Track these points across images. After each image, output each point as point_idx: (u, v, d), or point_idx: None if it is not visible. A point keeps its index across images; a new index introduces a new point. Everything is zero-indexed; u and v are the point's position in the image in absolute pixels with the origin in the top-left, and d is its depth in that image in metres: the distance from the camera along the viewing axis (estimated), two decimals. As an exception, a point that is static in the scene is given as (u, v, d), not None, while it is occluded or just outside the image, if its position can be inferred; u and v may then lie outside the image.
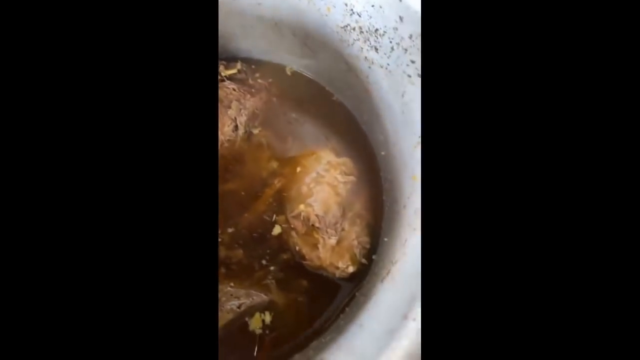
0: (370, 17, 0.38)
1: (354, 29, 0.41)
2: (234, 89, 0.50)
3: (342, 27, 0.42)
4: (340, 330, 0.35)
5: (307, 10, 0.44)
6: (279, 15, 0.47)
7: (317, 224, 0.43)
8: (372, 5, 0.37)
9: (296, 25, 0.47)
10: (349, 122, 0.53)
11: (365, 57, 0.42)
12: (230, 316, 0.39)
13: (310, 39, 0.48)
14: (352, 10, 0.39)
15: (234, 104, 0.49)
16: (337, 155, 0.50)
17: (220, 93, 0.49)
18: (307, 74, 0.55)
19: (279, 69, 0.55)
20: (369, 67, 0.43)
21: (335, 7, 0.41)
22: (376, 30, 0.38)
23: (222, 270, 0.43)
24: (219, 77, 0.51)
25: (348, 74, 0.48)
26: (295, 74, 0.55)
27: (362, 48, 0.42)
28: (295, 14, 0.46)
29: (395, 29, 0.36)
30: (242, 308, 0.39)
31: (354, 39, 0.42)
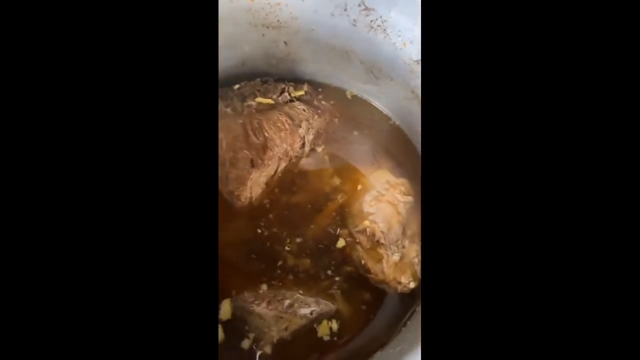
0: (448, 55, 0.42)
1: (428, 63, 0.45)
2: (303, 109, 0.54)
3: (415, 61, 0.46)
4: (411, 342, 0.37)
5: (382, 43, 0.48)
6: (351, 45, 0.51)
7: (382, 240, 0.46)
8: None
9: (366, 55, 0.52)
10: (405, 145, 0.56)
11: (436, 89, 0.46)
12: (302, 322, 0.41)
13: (377, 67, 0.52)
14: (430, 47, 0.43)
15: (304, 124, 0.52)
16: (395, 175, 0.53)
17: (291, 112, 0.53)
18: (367, 98, 0.59)
19: (339, 92, 0.59)
20: (437, 98, 0.46)
21: (412, 43, 0.45)
22: (453, 66, 0.42)
23: (290, 277, 0.46)
24: (289, 97, 0.56)
25: (412, 101, 0.52)
26: (355, 97, 0.59)
27: (433, 80, 0.46)
28: (367, 45, 0.50)
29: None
30: (314, 315, 0.42)
31: (426, 72, 0.46)
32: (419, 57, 0.46)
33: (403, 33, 0.45)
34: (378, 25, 0.46)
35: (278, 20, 0.50)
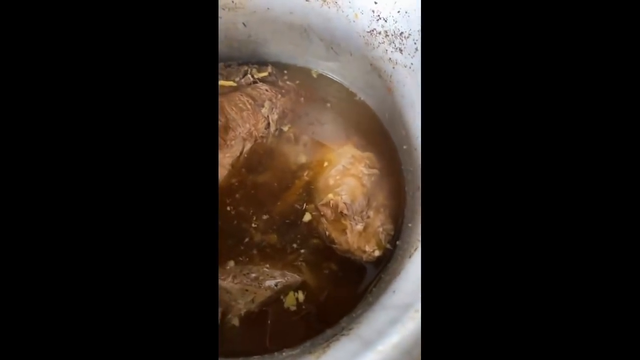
0: (396, 22, 0.42)
1: (379, 33, 0.45)
2: (266, 90, 0.54)
3: (368, 32, 0.46)
4: (370, 303, 0.38)
5: (336, 17, 0.48)
6: (308, 22, 0.52)
7: (345, 211, 0.47)
8: (398, 11, 0.41)
9: (324, 31, 0.52)
10: (371, 119, 0.57)
11: (390, 59, 0.46)
12: (268, 293, 0.42)
13: (336, 43, 0.53)
14: (378, 16, 0.44)
15: (267, 103, 0.53)
16: (362, 150, 0.54)
17: (254, 93, 0.54)
18: (332, 76, 0.59)
19: (305, 71, 0.60)
20: (393, 68, 0.47)
21: (362, 13, 0.45)
22: (401, 33, 0.42)
23: (255, 252, 0.47)
24: (252, 79, 0.56)
25: (371, 74, 0.52)
26: (320, 76, 0.60)
27: (386, 50, 0.46)
28: (323, 21, 0.50)
29: (420, 31, 0.40)
30: (279, 286, 0.43)
31: (379, 42, 0.46)
32: (372, 28, 0.46)
33: (353, 3, 0.45)
34: (329, -2, 0.46)
35: (233, 2, 0.50)
